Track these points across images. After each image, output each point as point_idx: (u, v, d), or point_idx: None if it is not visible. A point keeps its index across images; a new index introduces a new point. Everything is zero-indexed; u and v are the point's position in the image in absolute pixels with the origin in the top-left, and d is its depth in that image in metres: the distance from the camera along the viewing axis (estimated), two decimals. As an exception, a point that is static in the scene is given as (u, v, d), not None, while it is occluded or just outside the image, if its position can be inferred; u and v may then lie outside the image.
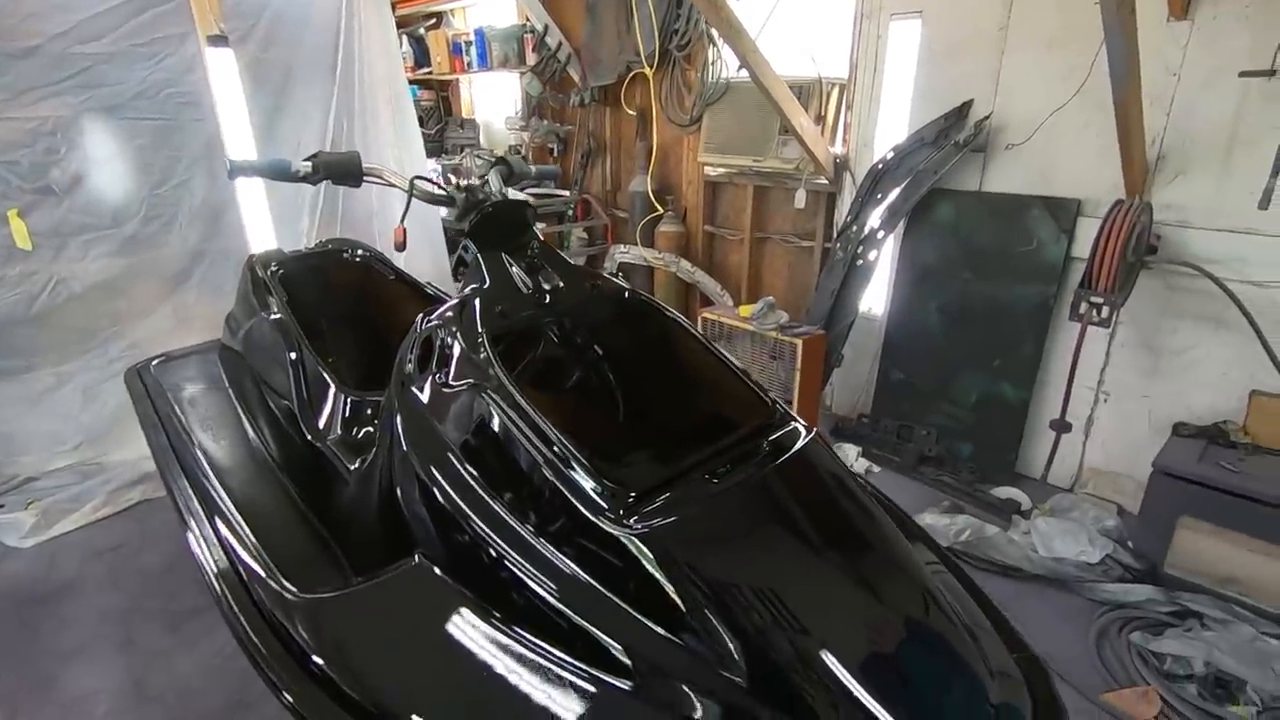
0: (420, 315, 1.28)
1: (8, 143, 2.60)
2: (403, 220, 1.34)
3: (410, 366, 1.23)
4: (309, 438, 1.62)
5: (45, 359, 2.84)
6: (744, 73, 3.56)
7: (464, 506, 1.03)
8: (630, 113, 4.13)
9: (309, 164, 1.31)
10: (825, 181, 3.38)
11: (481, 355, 1.11)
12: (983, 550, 2.43)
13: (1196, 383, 2.51)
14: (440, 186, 1.40)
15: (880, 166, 3.12)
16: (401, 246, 1.38)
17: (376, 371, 2.32)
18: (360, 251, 2.28)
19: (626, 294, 1.32)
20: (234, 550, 1.42)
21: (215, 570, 1.43)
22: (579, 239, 4.75)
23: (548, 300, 1.24)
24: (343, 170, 1.32)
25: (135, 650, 2.08)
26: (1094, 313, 2.30)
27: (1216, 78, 2.26)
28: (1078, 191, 2.64)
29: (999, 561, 2.40)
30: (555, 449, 0.98)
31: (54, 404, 2.90)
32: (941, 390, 3.08)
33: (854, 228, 3.16)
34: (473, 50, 4.85)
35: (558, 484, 0.96)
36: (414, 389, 1.18)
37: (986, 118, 2.77)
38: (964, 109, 2.86)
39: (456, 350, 1.15)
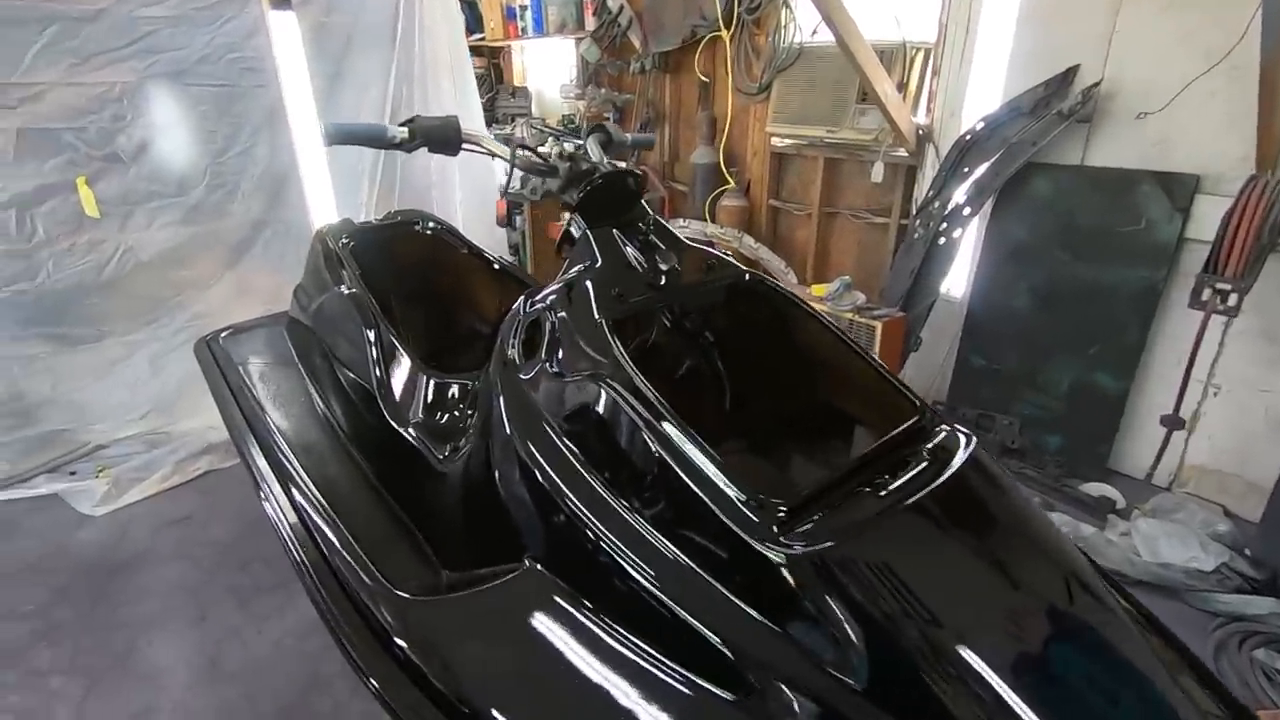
0: (523, 297, 1.18)
1: (75, 109, 2.56)
2: (504, 193, 1.24)
3: (514, 352, 1.13)
4: (388, 419, 1.55)
5: (114, 328, 2.85)
6: (817, 37, 3.37)
7: (582, 509, 0.94)
8: (704, 78, 3.93)
9: (404, 129, 1.21)
10: (905, 154, 3.18)
11: (601, 342, 1.00)
12: (1079, 551, 2.28)
13: (1325, 378, 2.30)
14: (539, 155, 1.29)
15: (969, 138, 2.91)
16: (505, 221, 1.28)
17: (447, 348, 2.26)
18: (431, 224, 2.19)
19: (747, 275, 1.20)
20: (318, 530, 1.37)
21: (297, 547, 1.38)
22: (635, 212, 4.61)
23: (663, 281, 1.13)
24: (441, 136, 1.22)
25: (209, 626, 2.07)
26: (1219, 300, 2.10)
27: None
28: (1197, 166, 2.41)
29: (1098, 566, 2.24)
30: (691, 451, 0.88)
31: (123, 373, 2.91)
32: (1028, 377, 2.90)
33: (936, 203, 2.97)
34: (528, 15, 4.69)
35: (695, 490, 0.86)
36: (520, 376, 1.09)
37: (1096, 85, 2.54)
38: (1068, 75, 2.64)
39: (570, 336, 1.05)
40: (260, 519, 1.62)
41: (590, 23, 4.33)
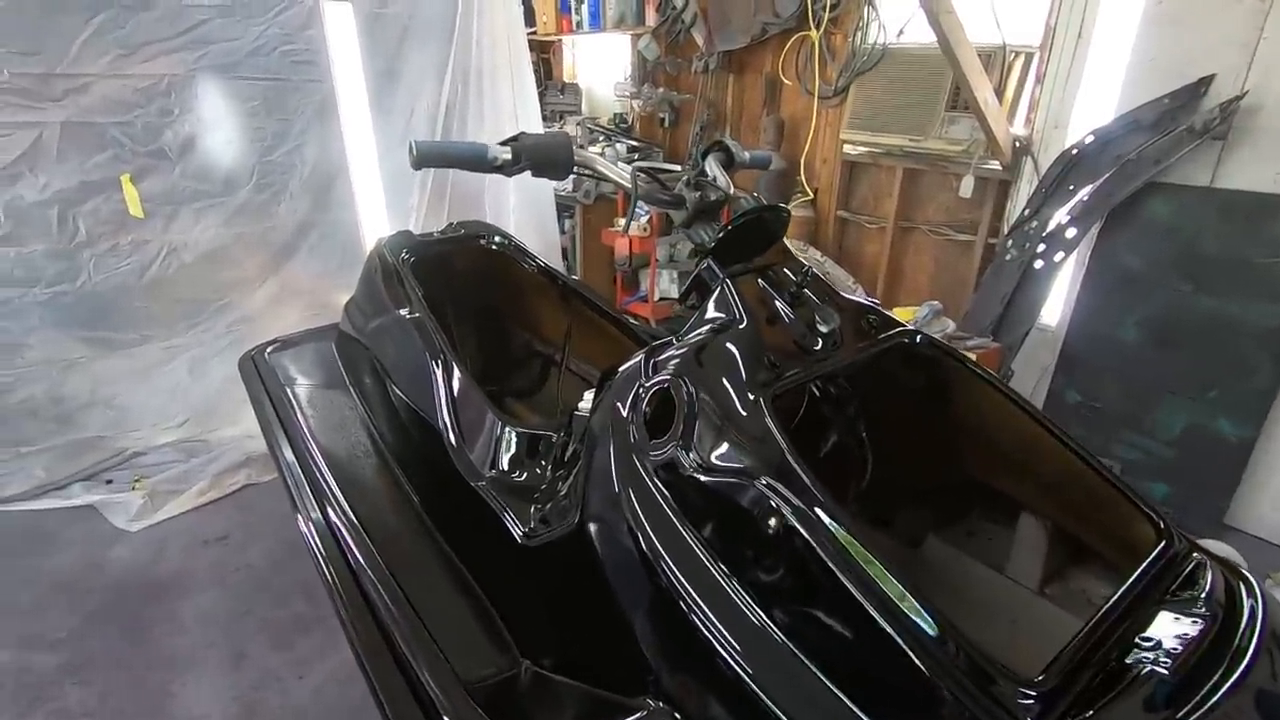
0: (643, 354, 0.97)
1: (121, 102, 2.43)
2: (627, 228, 1.04)
3: (635, 428, 0.92)
4: (457, 469, 1.36)
5: (156, 332, 2.73)
6: (904, 39, 3.12)
7: (737, 653, 0.72)
8: (781, 79, 3.67)
9: (508, 150, 1.01)
10: (999, 167, 2.92)
11: (758, 429, 0.79)
12: (1206, 625, 2.02)
13: None
14: (660, 181, 1.09)
15: (1075, 153, 2.65)
16: (626, 263, 1.08)
17: (506, 373, 2.07)
18: (497, 238, 2.01)
19: (919, 338, 0.98)
20: (371, 583, 1.20)
21: (342, 600, 1.22)
22: (689, 219, 4.39)
23: (819, 345, 0.92)
24: (549, 158, 1.02)
25: (247, 666, 1.92)
26: (1393, 351, 1.83)
27: None
28: (1353, 193, 2.13)
29: None
30: (891, 589, 0.66)
31: (163, 378, 2.79)
32: (1133, 419, 2.63)
33: (1034, 223, 2.72)
34: (584, 8, 4.49)
35: (900, 645, 0.64)
36: (646, 462, 0.88)
37: (1238, 98, 2.26)
38: (1201, 86, 2.36)
39: (714, 416, 0.84)
40: (298, 542, 1.47)
41: (652, 18, 4.11)
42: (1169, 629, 0.69)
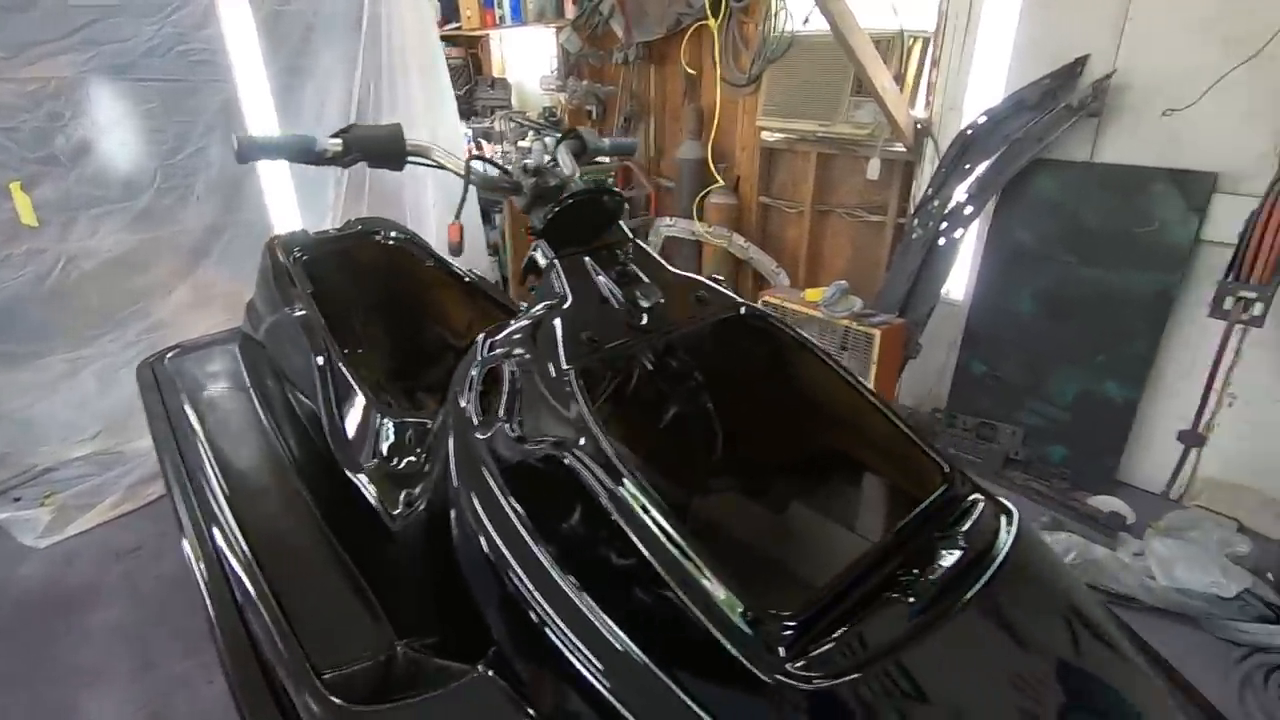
0: (482, 336, 1.01)
1: (5, 107, 2.35)
2: (458, 215, 1.06)
3: (469, 405, 0.96)
4: (339, 463, 1.37)
5: (60, 342, 2.65)
6: (810, 26, 3.20)
7: (550, 612, 0.77)
8: (689, 70, 3.75)
9: (339, 141, 1.03)
10: (903, 149, 3.02)
11: (567, 400, 0.84)
12: (1092, 575, 2.15)
13: (1348, 388, 2.17)
14: (499, 166, 1.12)
15: (970, 133, 2.76)
16: (458, 250, 1.10)
17: (412, 370, 2.08)
18: (394, 233, 2.01)
19: (743, 309, 1.03)
20: (240, 587, 1.21)
21: (212, 606, 1.23)
22: (619, 210, 4.43)
23: (644, 320, 0.97)
24: (381, 149, 1.04)
25: (155, 675, 1.90)
26: (1243, 309, 1.97)
27: None
28: (1214, 164, 2.27)
29: (1110, 590, 2.12)
30: (672, 542, 0.71)
31: (71, 391, 2.71)
32: (1032, 386, 2.76)
33: (935, 202, 2.82)
34: (505, 2, 4.48)
35: (679, 594, 0.69)
36: (476, 437, 0.92)
37: (1108, 77, 2.38)
38: (1077, 66, 2.48)
39: (534, 391, 0.88)
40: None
41: (570, 11, 4.12)
42: (931, 559, 0.77)
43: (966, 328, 2.94)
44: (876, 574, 0.74)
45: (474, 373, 0.97)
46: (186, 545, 1.38)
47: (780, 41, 3.25)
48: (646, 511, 0.73)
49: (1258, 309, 1.94)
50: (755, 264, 3.71)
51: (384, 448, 1.33)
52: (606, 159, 4.35)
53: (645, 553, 0.71)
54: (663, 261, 1.04)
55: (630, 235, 1.05)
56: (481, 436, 0.90)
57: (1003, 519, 0.84)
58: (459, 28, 5.08)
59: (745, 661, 0.65)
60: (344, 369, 1.44)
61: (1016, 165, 2.57)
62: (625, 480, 0.75)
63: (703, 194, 3.77)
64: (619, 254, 1.00)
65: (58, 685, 1.87)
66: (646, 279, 0.98)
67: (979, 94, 2.82)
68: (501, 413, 0.89)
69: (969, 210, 2.71)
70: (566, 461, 0.80)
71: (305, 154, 1.03)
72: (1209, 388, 2.10)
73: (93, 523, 2.49)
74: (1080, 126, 2.50)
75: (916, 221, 2.89)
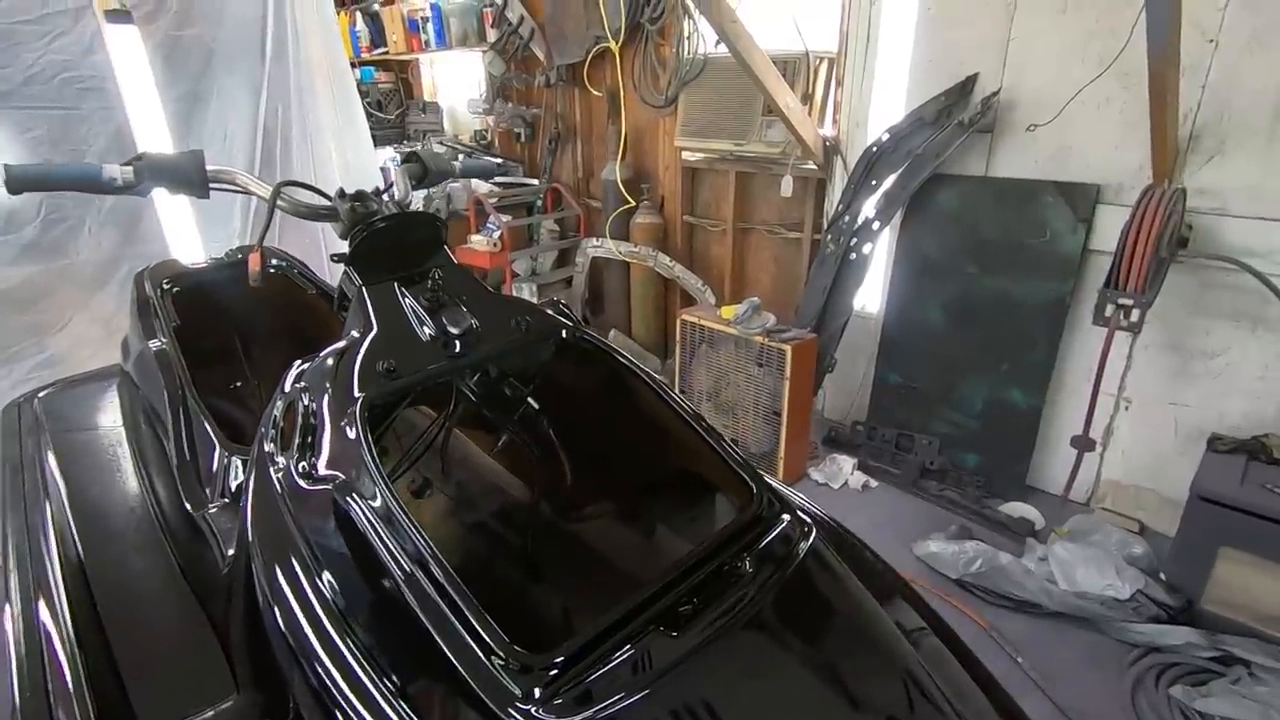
0: (296, 365, 0.97)
1: None
2: (261, 240, 1.03)
3: (269, 440, 0.91)
4: (186, 504, 1.31)
5: (-64, 385, 2.51)
6: (721, 49, 3.24)
7: (314, 647, 0.72)
8: (599, 94, 3.79)
9: (129, 169, 0.98)
10: (814, 167, 3.07)
11: (351, 436, 0.80)
12: (996, 582, 2.17)
13: (1231, 389, 2.25)
14: (317, 191, 1.08)
15: (875, 150, 2.81)
16: (258, 280, 1.06)
17: None
18: (275, 260, 1.95)
19: (565, 333, 1.01)
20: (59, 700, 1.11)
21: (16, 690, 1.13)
22: (549, 232, 4.42)
23: (457, 347, 0.93)
24: (177, 176, 1.00)
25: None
26: (1122, 316, 2.02)
27: (1263, 40, 1.97)
28: (1097, 176, 2.35)
29: (1015, 596, 2.15)
30: (441, 592, 0.68)
31: (-49, 434, 2.56)
32: (944, 396, 2.81)
33: (846, 218, 2.87)
34: (430, 27, 4.47)
35: (441, 643, 0.66)
36: (271, 472, 0.87)
37: (995, 94, 2.46)
38: (968, 84, 2.56)
39: (325, 425, 0.84)
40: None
41: (491, 35, 4.12)
42: (719, 586, 0.75)
43: (881, 340, 2.98)
44: (656, 605, 0.72)
45: (277, 406, 0.92)
46: (8, 620, 1.26)
47: (694, 64, 3.29)
48: (412, 557, 0.70)
49: (1135, 315, 2.00)
50: (682, 283, 3.72)
51: (232, 485, 1.27)
52: (535, 181, 4.36)
53: (409, 601, 0.68)
54: (485, 286, 1.02)
55: (453, 260, 1.03)
56: (277, 469, 0.86)
57: (799, 534, 0.82)
58: (386, 52, 5.05)
59: (494, 708, 0.62)
60: (194, 403, 1.37)
61: (918, 180, 2.63)
62: (397, 521, 0.72)
63: (618, 211, 3.77)
64: (431, 280, 0.97)
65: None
66: (461, 304, 0.96)
67: (882, 112, 2.89)
68: (295, 449, 0.85)
69: (876, 225, 2.76)
70: (341, 503, 0.76)
71: (90, 184, 0.98)
72: (1095, 393, 2.15)
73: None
74: (974, 142, 2.57)
75: (829, 237, 2.93)
